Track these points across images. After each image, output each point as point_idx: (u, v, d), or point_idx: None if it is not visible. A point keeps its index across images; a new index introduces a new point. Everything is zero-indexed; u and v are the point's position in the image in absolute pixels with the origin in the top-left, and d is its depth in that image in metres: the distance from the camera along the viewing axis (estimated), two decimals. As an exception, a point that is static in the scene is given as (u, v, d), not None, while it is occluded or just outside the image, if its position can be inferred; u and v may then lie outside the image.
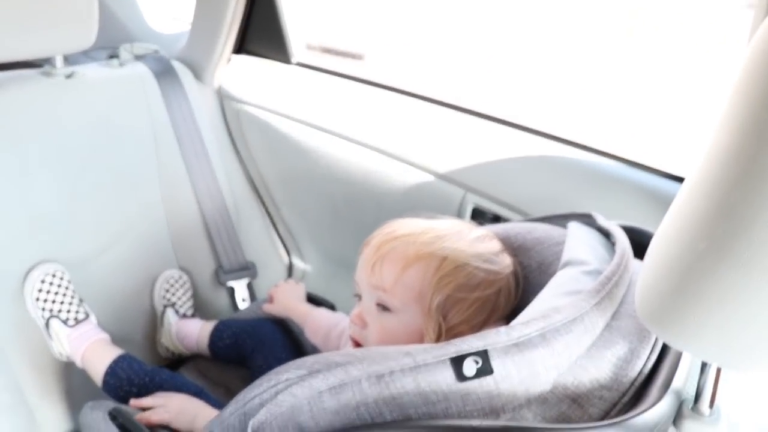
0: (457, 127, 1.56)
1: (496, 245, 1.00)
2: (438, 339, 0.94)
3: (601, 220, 0.96)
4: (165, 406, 1.24)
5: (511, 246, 1.02)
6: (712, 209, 0.55)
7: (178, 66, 1.90)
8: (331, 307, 1.49)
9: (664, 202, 1.21)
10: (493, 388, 0.68)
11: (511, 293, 0.98)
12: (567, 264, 0.89)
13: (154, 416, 1.22)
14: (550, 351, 0.70)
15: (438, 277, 0.94)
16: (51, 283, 1.50)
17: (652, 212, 1.24)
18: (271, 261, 2.02)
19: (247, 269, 1.90)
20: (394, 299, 0.96)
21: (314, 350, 1.38)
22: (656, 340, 0.76)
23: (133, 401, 1.25)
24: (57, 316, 1.48)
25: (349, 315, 1.04)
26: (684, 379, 0.76)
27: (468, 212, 1.50)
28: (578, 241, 0.93)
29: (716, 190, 0.54)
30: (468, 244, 0.97)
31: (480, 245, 0.98)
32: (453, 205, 1.52)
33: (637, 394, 0.73)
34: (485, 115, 1.55)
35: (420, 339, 0.96)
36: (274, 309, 1.49)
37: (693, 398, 0.75)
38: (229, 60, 1.98)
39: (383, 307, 0.97)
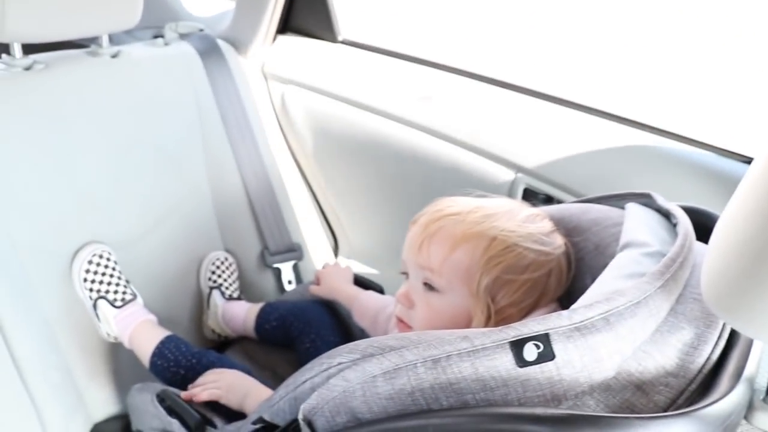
0: (508, 106, 1.53)
1: (547, 225, 0.97)
2: (487, 321, 0.92)
3: (661, 200, 0.92)
4: (216, 381, 1.23)
5: (566, 227, 0.99)
6: None
7: (223, 45, 1.89)
8: (380, 290, 1.47)
9: (724, 183, 1.18)
10: (555, 374, 0.65)
11: (563, 275, 0.96)
12: (627, 245, 0.85)
13: (204, 393, 1.21)
14: (613, 335, 0.67)
15: (486, 258, 0.91)
16: (98, 264, 1.50)
17: (712, 193, 1.19)
18: (317, 242, 2.00)
19: (293, 251, 1.88)
20: (441, 279, 0.94)
21: (362, 333, 1.36)
22: (724, 325, 0.73)
23: (184, 394, 1.24)
24: (104, 297, 1.48)
25: (396, 293, 1.02)
26: (755, 368, 0.72)
27: (519, 193, 1.47)
28: (638, 222, 0.89)
29: None
30: (518, 224, 0.94)
31: (530, 225, 0.95)
32: (504, 185, 1.49)
33: (705, 382, 0.69)
34: (537, 93, 1.52)
35: (467, 320, 0.94)
36: (321, 291, 1.48)
37: (765, 389, 0.71)
38: (274, 39, 1.96)
39: (430, 287, 0.96)
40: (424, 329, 0.93)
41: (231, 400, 1.20)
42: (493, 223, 0.93)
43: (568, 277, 0.96)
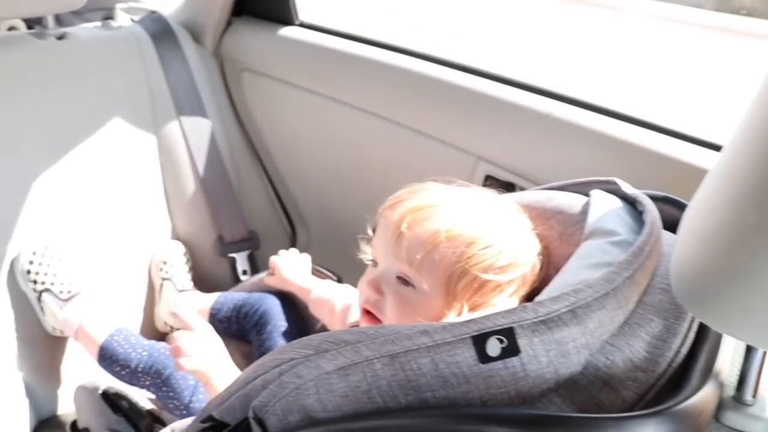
0: (469, 91, 1.49)
1: (526, 223, 0.95)
2: (461, 318, 0.89)
3: (626, 188, 0.90)
4: (190, 357, 1.08)
5: (530, 215, 0.97)
6: (765, 177, 0.49)
7: (176, 28, 1.84)
8: (338, 279, 1.43)
9: (691, 171, 1.16)
10: (519, 370, 0.63)
11: (535, 274, 0.93)
12: (592, 234, 0.83)
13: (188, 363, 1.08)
14: (581, 329, 0.65)
15: (467, 257, 0.88)
16: (43, 255, 1.46)
17: (679, 181, 1.17)
18: (274, 231, 1.97)
19: (249, 240, 1.84)
20: (418, 275, 0.90)
21: (320, 324, 1.32)
22: (693, 317, 0.70)
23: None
24: (49, 290, 1.44)
25: (360, 281, 0.98)
26: (725, 364, 0.70)
27: (479, 180, 1.45)
28: (603, 210, 0.87)
29: None
30: (499, 224, 0.91)
31: (511, 225, 0.93)
32: (464, 172, 1.47)
33: (674, 377, 0.67)
34: (498, 77, 1.49)
35: (440, 317, 0.91)
36: (276, 281, 1.44)
37: (734, 386, 0.69)
38: (229, 21, 1.91)
39: (404, 281, 0.92)
40: (394, 323, 0.90)
41: (191, 367, 1.07)
42: (476, 221, 0.90)
43: (541, 274, 0.94)
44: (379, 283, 0.94)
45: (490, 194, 0.98)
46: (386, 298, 0.93)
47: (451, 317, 0.89)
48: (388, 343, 0.64)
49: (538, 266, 0.93)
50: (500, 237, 0.90)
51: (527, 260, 0.91)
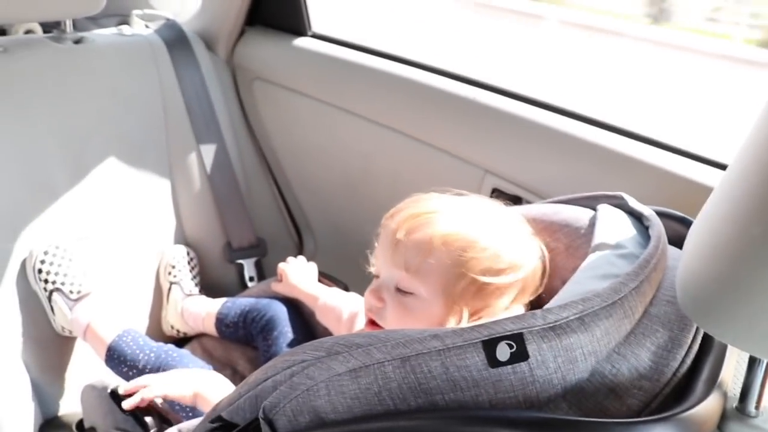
0: (477, 105, 1.50)
1: (526, 229, 0.96)
2: (461, 323, 0.90)
3: (633, 203, 0.92)
4: (151, 383, 1.13)
5: (537, 227, 0.98)
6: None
7: (190, 35, 1.86)
8: (344, 287, 1.44)
9: (696, 188, 1.17)
10: (528, 375, 0.64)
11: (537, 278, 0.94)
12: (599, 247, 0.84)
13: (136, 398, 1.11)
14: (588, 336, 0.66)
15: (464, 261, 0.89)
16: (54, 255, 1.46)
17: (684, 198, 1.18)
18: (281, 239, 1.97)
19: (257, 247, 1.85)
20: (416, 281, 0.92)
21: (326, 331, 1.33)
22: (698, 329, 0.72)
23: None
24: (60, 290, 1.45)
25: (365, 291, 1.00)
26: (729, 375, 0.71)
27: (486, 193, 1.45)
28: (610, 224, 0.89)
29: None
30: (496, 228, 0.92)
31: (509, 229, 0.94)
32: (471, 185, 1.47)
33: (678, 386, 0.68)
34: (506, 92, 1.50)
35: (441, 323, 0.91)
36: (284, 288, 1.45)
37: (737, 397, 0.70)
38: (242, 30, 1.92)
39: (405, 287, 0.93)
40: None
41: (176, 397, 1.13)
42: (472, 226, 0.91)
43: (543, 281, 0.95)
44: (381, 291, 0.96)
45: (490, 202, 0.99)
46: (387, 306, 0.95)
47: (452, 323, 0.90)
48: (399, 347, 0.65)
49: (540, 271, 0.94)
50: (497, 240, 0.90)
51: (526, 263, 0.92)
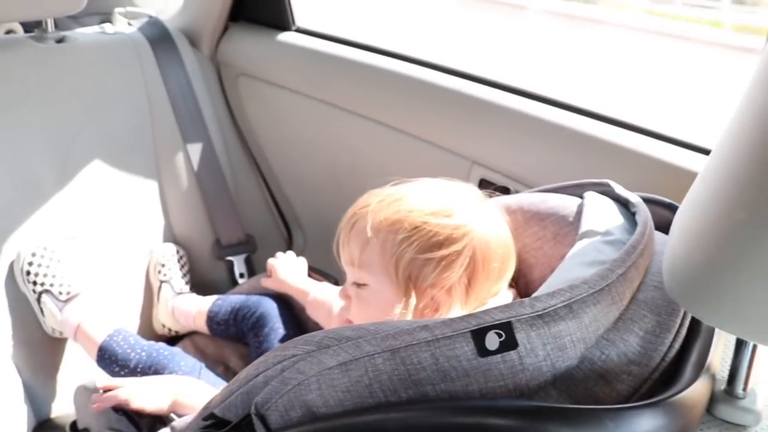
0: (463, 96, 1.51)
1: (472, 198, 0.97)
2: (410, 304, 0.92)
3: (619, 189, 0.93)
4: (125, 388, 1.13)
5: (524, 216, 0.99)
6: (751, 175, 0.50)
7: (174, 32, 1.85)
8: (334, 281, 1.44)
9: (681, 174, 1.17)
10: (517, 363, 0.64)
11: (497, 246, 0.93)
12: (586, 234, 0.85)
13: (110, 399, 1.12)
14: (577, 323, 0.66)
15: (398, 241, 0.91)
16: (42, 257, 1.46)
17: (669, 184, 1.19)
18: (270, 234, 1.97)
19: (246, 243, 1.85)
20: (364, 273, 0.95)
21: (317, 326, 1.34)
22: (685, 313, 0.72)
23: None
24: (49, 291, 1.44)
25: None
26: (717, 358, 0.72)
27: (475, 184, 1.45)
28: (597, 211, 0.89)
29: (757, 154, 0.50)
30: (426, 202, 0.93)
31: (439, 201, 0.94)
32: (459, 176, 1.45)
33: (667, 371, 0.69)
34: (492, 83, 1.50)
35: (398, 306, 0.93)
36: (274, 284, 1.45)
37: (725, 379, 0.71)
38: (226, 26, 1.92)
39: (358, 281, 0.96)
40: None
41: (153, 411, 1.12)
42: (401, 206, 0.93)
43: (511, 256, 0.96)
44: (346, 289, 1.00)
45: (434, 180, 1.00)
46: (351, 302, 0.98)
47: (411, 305, 0.91)
48: (388, 338, 0.65)
49: (503, 239, 0.94)
50: (428, 215, 0.91)
51: (466, 233, 0.91)
